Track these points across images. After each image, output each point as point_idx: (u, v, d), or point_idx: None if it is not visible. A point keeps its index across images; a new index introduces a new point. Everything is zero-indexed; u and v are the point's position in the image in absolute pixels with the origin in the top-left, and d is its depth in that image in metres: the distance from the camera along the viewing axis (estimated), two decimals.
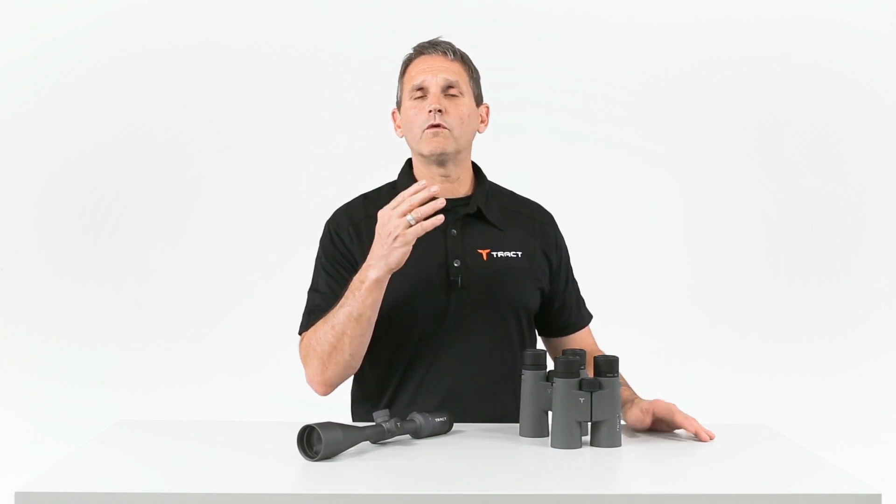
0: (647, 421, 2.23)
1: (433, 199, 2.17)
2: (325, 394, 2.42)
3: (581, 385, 2.11)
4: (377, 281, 2.22)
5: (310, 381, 2.39)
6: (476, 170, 2.52)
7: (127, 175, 4.22)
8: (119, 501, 1.79)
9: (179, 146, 4.23)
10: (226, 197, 4.24)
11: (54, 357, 4.21)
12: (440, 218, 2.16)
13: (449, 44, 2.45)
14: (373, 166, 4.04)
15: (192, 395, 4.12)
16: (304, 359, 2.40)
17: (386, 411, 2.14)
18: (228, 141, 4.24)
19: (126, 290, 4.22)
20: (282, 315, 4.03)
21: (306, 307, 2.48)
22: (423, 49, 2.45)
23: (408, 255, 2.19)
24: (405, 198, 2.17)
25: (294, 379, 3.78)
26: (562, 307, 2.52)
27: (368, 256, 2.24)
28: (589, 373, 2.22)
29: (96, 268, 4.22)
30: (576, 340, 2.55)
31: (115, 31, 4.20)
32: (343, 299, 2.30)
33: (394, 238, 2.17)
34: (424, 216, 2.15)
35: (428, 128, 2.37)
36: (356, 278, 2.27)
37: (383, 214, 2.19)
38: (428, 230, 2.16)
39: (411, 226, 2.15)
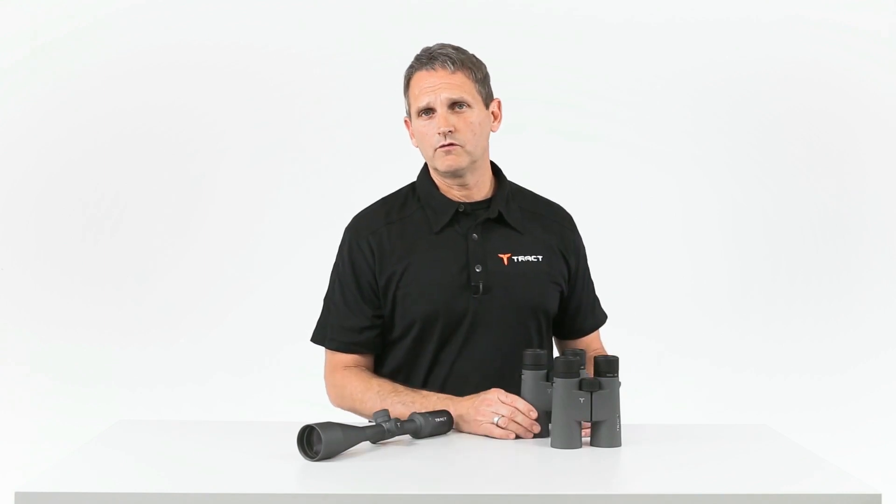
0: None
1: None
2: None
3: (581, 385, 2.11)
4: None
5: (328, 397, 2.48)
6: (496, 171, 2.50)
7: (127, 175, 4.22)
8: (119, 501, 1.79)
9: (179, 146, 4.22)
10: (226, 197, 4.24)
11: (54, 357, 4.20)
12: (511, 435, 2.18)
13: (447, 54, 2.37)
14: (373, 166, 4.07)
15: (192, 395, 4.11)
16: (327, 385, 2.47)
17: (386, 411, 2.14)
18: (228, 141, 4.23)
19: (126, 289, 4.21)
20: (282, 315, 4.06)
21: (321, 318, 2.50)
22: (422, 63, 2.38)
23: (475, 432, 2.23)
24: (516, 410, 2.18)
25: (294, 379, 3.80)
26: (577, 310, 2.52)
27: (461, 402, 2.26)
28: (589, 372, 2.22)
29: (96, 267, 4.21)
30: (584, 343, 2.55)
31: (115, 31, 4.19)
32: (402, 394, 2.32)
33: (476, 418, 2.21)
34: (509, 428, 2.18)
35: (440, 147, 2.36)
36: (436, 396, 2.29)
37: (498, 394, 2.22)
38: (495, 436, 2.19)
39: (494, 424, 2.19)
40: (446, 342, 2.40)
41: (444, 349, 2.41)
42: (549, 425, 2.14)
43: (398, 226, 2.42)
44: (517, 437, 2.20)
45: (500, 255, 2.42)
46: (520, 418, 2.18)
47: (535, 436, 2.19)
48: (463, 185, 2.42)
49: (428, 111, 2.36)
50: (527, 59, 4.17)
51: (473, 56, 2.43)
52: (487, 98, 2.43)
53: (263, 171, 4.24)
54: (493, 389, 2.24)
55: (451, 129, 2.34)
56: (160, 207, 4.22)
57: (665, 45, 4.25)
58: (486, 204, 2.44)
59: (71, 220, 4.21)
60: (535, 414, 2.19)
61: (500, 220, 2.44)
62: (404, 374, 2.44)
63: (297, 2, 4.21)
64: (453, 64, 2.36)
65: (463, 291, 2.39)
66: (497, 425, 2.19)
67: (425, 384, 2.41)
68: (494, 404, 2.21)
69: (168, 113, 4.22)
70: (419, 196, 2.45)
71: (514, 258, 2.42)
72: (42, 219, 4.22)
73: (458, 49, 2.41)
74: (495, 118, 2.45)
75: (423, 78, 2.37)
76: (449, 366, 2.41)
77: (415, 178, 2.50)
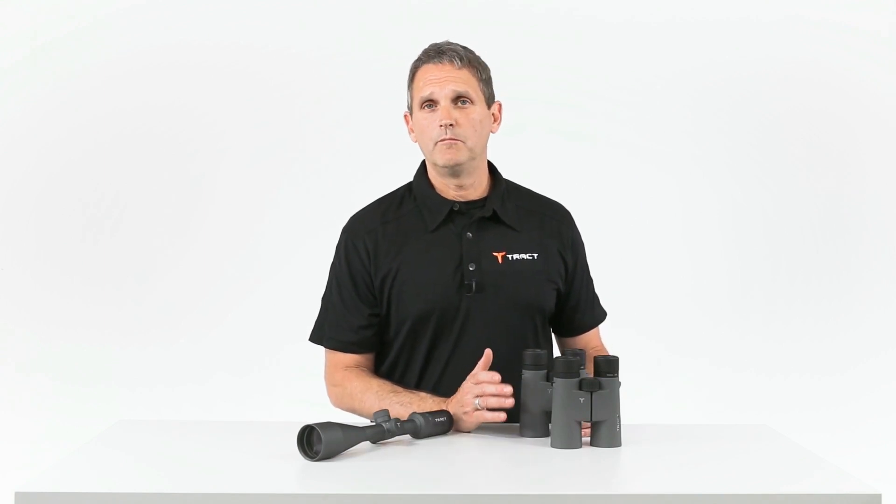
0: None
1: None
2: None
3: (581, 385, 2.11)
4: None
5: (328, 397, 2.48)
6: (492, 170, 2.50)
7: (127, 175, 4.22)
8: (119, 501, 1.79)
9: (179, 146, 4.23)
10: (226, 197, 4.24)
11: (54, 357, 4.21)
12: (501, 416, 2.20)
13: (455, 50, 2.39)
14: (373, 166, 4.06)
15: (192, 395, 4.12)
16: (327, 385, 2.47)
17: (386, 411, 2.14)
18: (228, 141, 4.24)
19: (126, 289, 4.22)
20: (282, 315, 4.05)
21: (318, 318, 2.50)
22: (430, 57, 2.40)
23: (475, 426, 2.25)
24: (484, 385, 2.21)
25: (294, 379, 3.80)
26: (576, 307, 2.52)
27: (452, 399, 2.28)
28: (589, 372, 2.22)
29: (96, 267, 4.22)
30: (583, 340, 2.55)
31: (115, 31, 4.19)
32: (401, 395, 2.33)
33: (464, 412, 2.24)
34: (488, 406, 2.20)
35: (440, 141, 2.36)
36: (431, 399, 2.30)
37: (469, 384, 2.25)
38: (488, 420, 2.21)
39: (477, 409, 2.21)
40: (439, 340, 2.40)
41: (438, 347, 2.40)
42: (550, 425, 2.14)
43: (394, 225, 2.43)
44: (507, 414, 2.21)
45: (495, 254, 2.41)
46: (489, 389, 2.20)
47: (535, 435, 2.19)
48: (460, 186, 2.42)
49: (431, 104, 2.37)
50: (527, 59, 4.17)
51: (479, 57, 2.44)
52: (489, 99, 2.44)
53: (263, 171, 4.24)
54: (464, 382, 2.26)
55: (453, 122, 2.35)
56: (160, 207, 4.22)
57: (665, 45, 4.25)
58: (481, 203, 2.44)
59: (71, 220, 4.22)
60: (497, 377, 2.21)
61: (495, 218, 2.44)
62: (399, 373, 2.44)
63: (297, 2, 4.22)
64: (460, 60, 2.38)
65: (457, 290, 2.38)
66: (481, 409, 2.21)
67: (419, 383, 2.41)
68: (468, 392, 2.23)
69: (168, 113, 4.22)
70: (415, 195, 2.45)
71: (509, 256, 2.42)
72: (42, 219, 4.22)
73: (465, 48, 2.43)
74: (495, 120, 2.46)
75: (430, 70, 2.38)
76: (443, 364, 2.40)
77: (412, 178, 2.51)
